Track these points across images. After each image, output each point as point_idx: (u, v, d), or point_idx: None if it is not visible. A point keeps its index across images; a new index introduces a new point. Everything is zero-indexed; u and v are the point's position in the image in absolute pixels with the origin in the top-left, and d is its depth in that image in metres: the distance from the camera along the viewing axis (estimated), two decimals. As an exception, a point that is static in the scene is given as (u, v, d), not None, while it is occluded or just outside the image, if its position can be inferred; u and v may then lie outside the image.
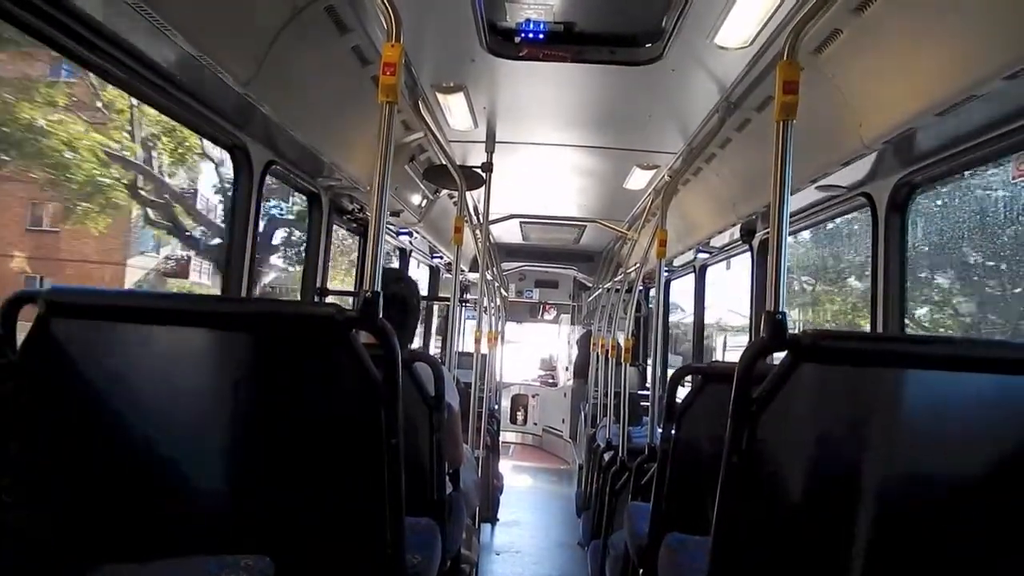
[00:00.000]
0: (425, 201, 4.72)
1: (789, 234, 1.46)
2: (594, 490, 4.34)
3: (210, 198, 12.31)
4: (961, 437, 1.23)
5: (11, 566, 1.23)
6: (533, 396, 9.94)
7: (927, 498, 1.24)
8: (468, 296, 7.19)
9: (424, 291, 6.87)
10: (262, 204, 2.78)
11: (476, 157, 4.12)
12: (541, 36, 2.68)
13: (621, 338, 4.45)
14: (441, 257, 6.41)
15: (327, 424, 1.32)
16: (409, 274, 5.36)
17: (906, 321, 2.59)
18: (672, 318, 8.27)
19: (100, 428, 1.31)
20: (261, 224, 2.84)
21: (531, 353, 11.27)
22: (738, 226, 3.98)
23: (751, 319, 4.21)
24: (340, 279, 8.75)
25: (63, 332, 1.26)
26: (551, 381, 10.41)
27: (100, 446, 1.31)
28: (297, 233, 11.93)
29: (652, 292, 7.01)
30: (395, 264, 5.52)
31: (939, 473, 1.23)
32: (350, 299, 4.23)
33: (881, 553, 1.25)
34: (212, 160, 10.99)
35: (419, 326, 3.33)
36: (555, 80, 3.06)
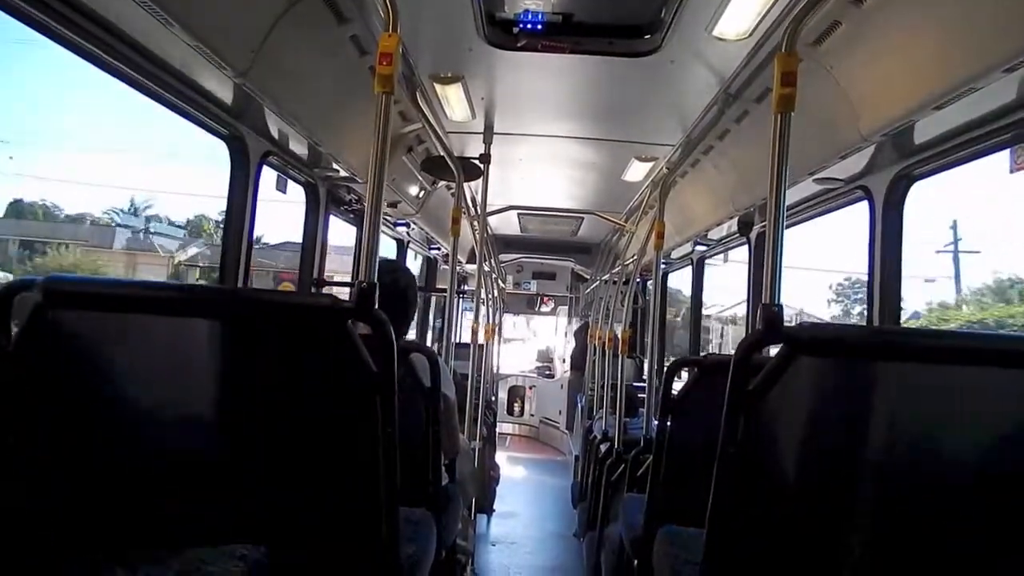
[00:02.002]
0: (423, 192, 4.71)
1: (786, 227, 1.46)
2: (590, 482, 4.35)
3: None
4: (958, 430, 1.23)
5: (8, 557, 1.23)
6: (530, 388, 9.97)
7: (923, 491, 1.24)
8: (465, 287, 7.19)
9: (421, 282, 6.88)
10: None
11: (474, 148, 4.11)
12: (539, 27, 2.67)
13: (618, 330, 4.46)
14: (439, 248, 6.40)
15: (323, 414, 1.32)
16: (405, 264, 5.36)
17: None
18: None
19: (96, 419, 1.31)
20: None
21: (529, 344, 11.28)
22: (736, 218, 3.98)
23: (748, 311, 4.22)
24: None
25: (60, 322, 1.26)
26: (548, 373, 10.44)
27: (96, 437, 1.31)
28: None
29: (650, 284, 7.02)
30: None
31: (935, 466, 1.24)
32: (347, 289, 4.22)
33: (875, 546, 1.25)
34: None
35: (416, 317, 3.33)
36: (553, 71, 3.04)
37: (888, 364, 1.22)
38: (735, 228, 4.12)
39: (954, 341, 1.26)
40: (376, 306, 1.28)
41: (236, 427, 1.35)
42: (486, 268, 4.76)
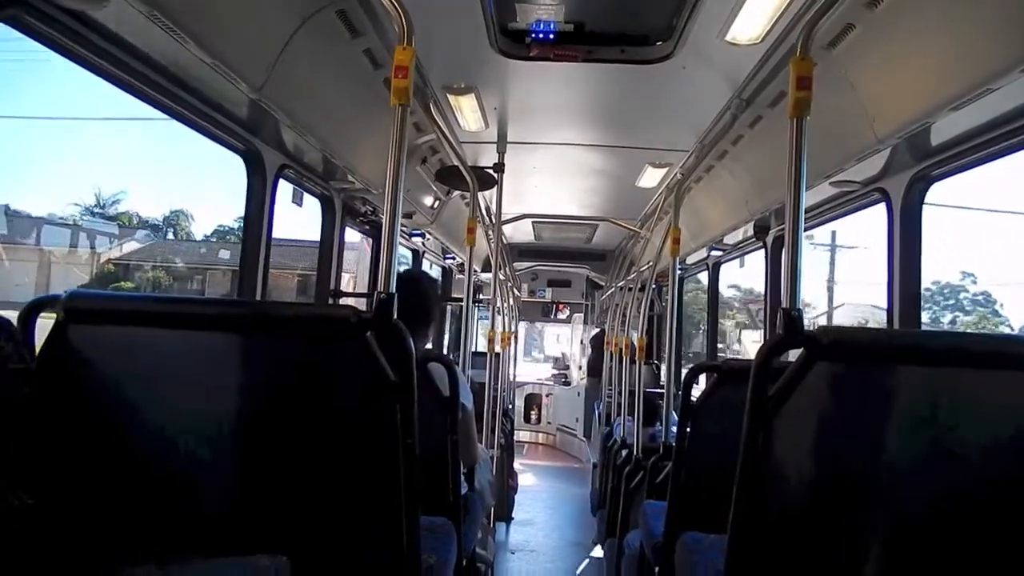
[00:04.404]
0: (437, 202, 4.74)
1: (804, 231, 1.45)
2: (609, 489, 4.33)
3: None
4: (983, 435, 1.21)
5: (30, 568, 1.25)
6: (547, 395, 9.95)
7: (946, 497, 1.23)
8: (481, 296, 7.21)
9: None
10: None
11: (487, 158, 4.13)
12: (551, 36, 2.68)
13: (635, 337, 4.44)
14: (454, 258, 6.43)
15: (343, 425, 1.33)
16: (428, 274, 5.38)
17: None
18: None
19: (118, 432, 1.32)
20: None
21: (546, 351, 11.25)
22: (751, 223, 3.96)
23: (765, 315, 4.19)
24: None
25: (81, 337, 1.28)
26: (565, 380, 10.41)
27: (118, 449, 1.33)
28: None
29: (665, 290, 6.98)
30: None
31: (959, 472, 1.22)
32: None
33: (898, 552, 1.23)
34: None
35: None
36: (566, 80, 3.05)
37: (912, 368, 1.21)
38: (751, 232, 4.10)
39: (981, 344, 1.24)
40: (395, 316, 1.29)
41: (257, 438, 1.36)
42: (501, 277, 4.77)
